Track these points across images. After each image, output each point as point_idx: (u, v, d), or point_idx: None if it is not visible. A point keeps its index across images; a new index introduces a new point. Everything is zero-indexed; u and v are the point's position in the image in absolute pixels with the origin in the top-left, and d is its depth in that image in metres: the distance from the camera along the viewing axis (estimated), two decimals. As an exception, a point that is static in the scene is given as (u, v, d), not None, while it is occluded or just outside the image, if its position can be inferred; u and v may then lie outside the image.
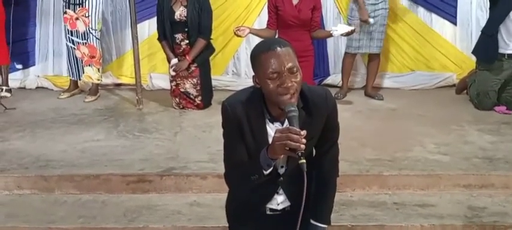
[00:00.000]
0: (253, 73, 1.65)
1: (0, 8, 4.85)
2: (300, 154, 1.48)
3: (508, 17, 4.23)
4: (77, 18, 4.65)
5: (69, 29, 4.72)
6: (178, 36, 4.32)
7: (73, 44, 4.75)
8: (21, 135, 3.88)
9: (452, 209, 2.96)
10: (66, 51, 4.90)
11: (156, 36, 4.54)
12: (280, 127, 1.63)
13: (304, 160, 1.48)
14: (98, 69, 4.81)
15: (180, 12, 4.28)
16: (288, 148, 1.50)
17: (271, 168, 1.61)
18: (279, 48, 1.57)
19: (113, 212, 2.95)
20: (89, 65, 4.76)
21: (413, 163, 3.32)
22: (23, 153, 3.50)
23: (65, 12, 4.68)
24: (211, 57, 4.60)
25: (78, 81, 4.95)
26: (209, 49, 4.46)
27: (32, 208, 3.01)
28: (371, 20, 4.52)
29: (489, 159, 3.39)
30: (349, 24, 4.43)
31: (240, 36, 4.21)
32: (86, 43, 4.69)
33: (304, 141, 1.48)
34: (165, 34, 4.34)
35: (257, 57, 1.60)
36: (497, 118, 4.25)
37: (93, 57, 4.74)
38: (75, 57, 4.79)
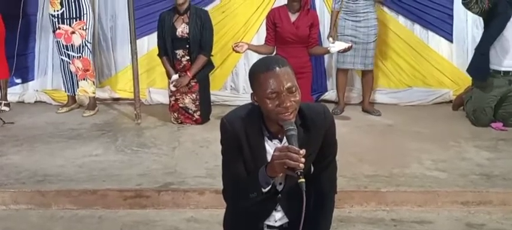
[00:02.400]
0: (251, 91, 1.66)
1: (0, 24, 4.88)
2: (299, 172, 1.49)
3: (502, 34, 4.27)
4: (73, 32, 4.67)
5: (64, 44, 4.74)
6: (179, 52, 4.34)
7: (68, 58, 4.77)
8: (18, 150, 3.87)
9: (450, 226, 2.96)
10: (61, 67, 4.90)
11: (155, 51, 4.56)
12: (278, 145, 1.64)
13: (303, 179, 1.49)
14: (93, 82, 4.83)
15: (182, 29, 4.30)
16: (286, 167, 1.50)
17: (270, 186, 1.62)
18: (277, 68, 1.57)
19: (110, 227, 2.93)
20: (84, 79, 4.78)
21: (411, 179, 3.32)
22: (20, 168, 3.49)
23: (58, 28, 4.70)
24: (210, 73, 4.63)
25: (76, 96, 4.97)
26: (209, 66, 4.48)
27: (28, 223, 2.99)
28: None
29: (487, 175, 3.39)
30: (335, 41, 4.42)
31: (238, 52, 4.24)
32: (80, 57, 4.72)
33: (303, 159, 1.49)
34: (166, 50, 4.36)
35: (256, 76, 1.61)
36: (494, 134, 4.27)
37: (87, 70, 4.76)
38: (70, 71, 4.82)
